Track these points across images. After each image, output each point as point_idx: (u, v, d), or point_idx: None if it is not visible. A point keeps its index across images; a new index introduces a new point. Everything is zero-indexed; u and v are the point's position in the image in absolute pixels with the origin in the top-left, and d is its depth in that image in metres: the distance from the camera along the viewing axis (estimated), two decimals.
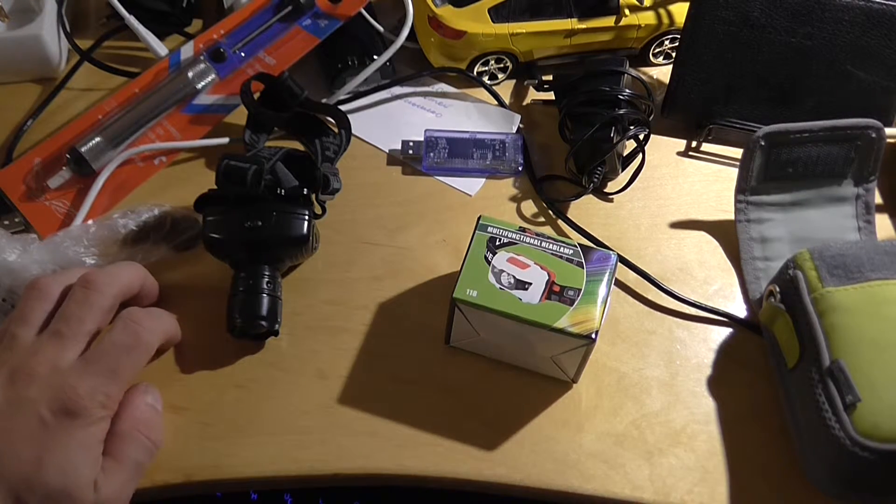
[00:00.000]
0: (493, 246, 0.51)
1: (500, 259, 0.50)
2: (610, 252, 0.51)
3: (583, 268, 0.50)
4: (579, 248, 0.51)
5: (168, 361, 0.53)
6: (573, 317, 0.48)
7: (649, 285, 0.58)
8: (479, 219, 0.52)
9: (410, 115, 0.67)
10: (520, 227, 0.52)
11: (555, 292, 0.49)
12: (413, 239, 0.60)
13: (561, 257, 0.51)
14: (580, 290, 0.49)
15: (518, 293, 0.49)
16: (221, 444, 0.50)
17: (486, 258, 0.50)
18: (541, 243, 0.51)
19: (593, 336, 0.48)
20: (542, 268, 0.50)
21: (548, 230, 0.59)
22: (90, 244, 0.55)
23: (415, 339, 0.55)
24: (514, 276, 0.50)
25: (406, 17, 0.65)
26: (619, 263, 0.59)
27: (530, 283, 0.49)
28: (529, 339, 0.50)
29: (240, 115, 0.64)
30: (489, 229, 0.52)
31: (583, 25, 0.67)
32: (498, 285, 0.49)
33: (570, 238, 0.53)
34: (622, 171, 0.63)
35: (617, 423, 0.52)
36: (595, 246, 0.53)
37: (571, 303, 0.49)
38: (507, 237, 0.51)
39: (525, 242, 0.51)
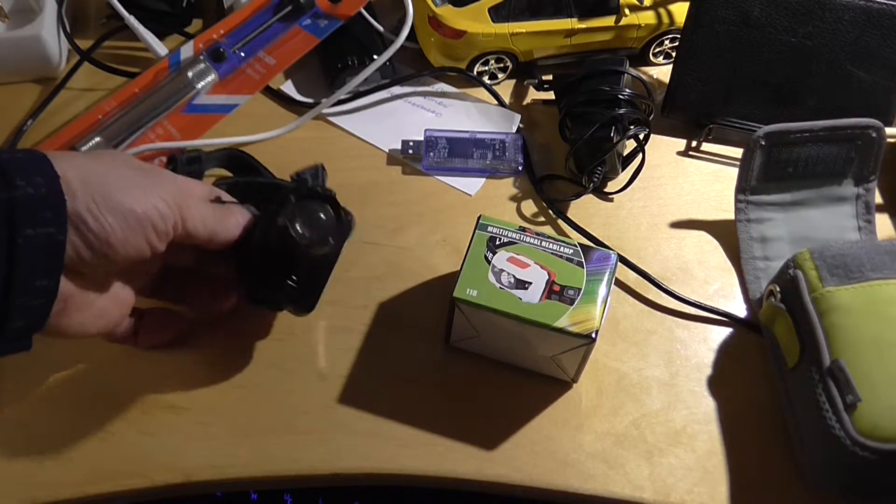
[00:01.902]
0: (494, 245, 0.51)
1: (501, 258, 0.50)
2: (610, 252, 0.51)
3: (583, 267, 0.50)
4: (579, 248, 0.51)
5: (168, 361, 0.53)
6: (573, 316, 0.48)
7: (649, 285, 0.58)
8: (479, 218, 0.52)
9: (410, 115, 0.67)
10: (520, 226, 0.52)
11: (555, 292, 0.49)
12: (413, 239, 0.60)
13: (561, 257, 0.51)
14: (580, 289, 0.49)
15: (518, 293, 0.49)
16: (221, 444, 0.50)
17: (486, 258, 0.50)
18: (541, 243, 0.51)
19: (593, 336, 0.48)
20: (542, 267, 0.50)
21: (548, 230, 0.59)
22: None
23: (415, 339, 0.55)
24: (514, 276, 0.50)
25: (406, 16, 0.65)
26: (619, 263, 0.59)
27: (530, 283, 0.49)
28: (529, 339, 0.50)
29: (240, 116, 0.64)
30: (489, 229, 0.52)
31: (583, 25, 0.67)
32: (498, 285, 0.49)
33: (570, 238, 0.53)
34: (622, 170, 0.63)
35: (617, 423, 0.52)
36: (595, 245, 0.53)
37: (571, 302, 0.49)
38: (507, 237, 0.51)
39: (525, 242, 0.51)
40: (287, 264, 0.48)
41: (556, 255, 0.51)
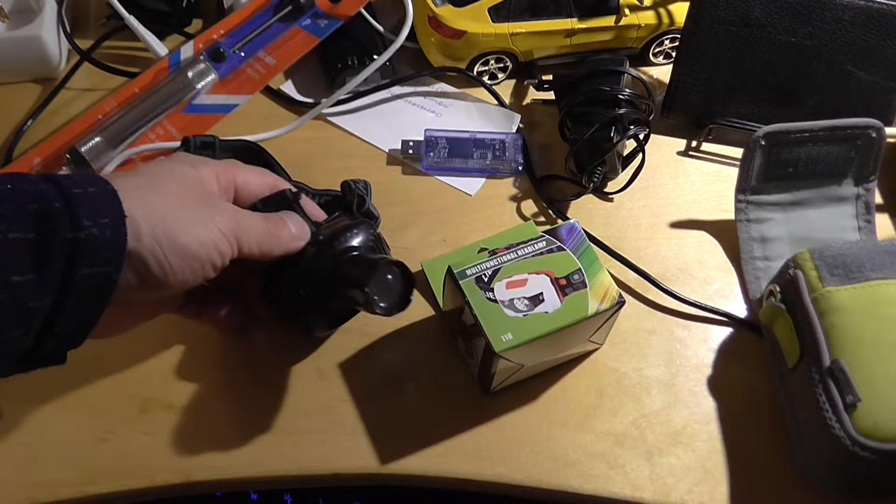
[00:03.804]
0: (485, 284, 0.49)
1: (501, 291, 0.49)
2: (570, 222, 0.52)
3: (565, 250, 0.50)
4: (547, 236, 0.51)
5: (168, 361, 0.53)
6: (595, 295, 0.49)
7: (649, 285, 0.58)
8: (448, 270, 0.50)
9: (410, 115, 0.67)
10: (488, 251, 0.50)
11: (564, 286, 0.49)
12: (413, 239, 0.60)
13: (542, 254, 0.50)
14: (580, 269, 0.49)
15: (540, 308, 0.48)
16: (221, 444, 0.50)
17: (489, 299, 0.49)
18: (517, 254, 0.50)
19: (622, 299, 0.49)
20: (537, 274, 0.50)
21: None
22: None
23: (414, 340, 0.55)
24: (524, 297, 0.49)
25: (406, 16, 0.65)
26: (619, 262, 0.59)
27: (541, 293, 0.49)
28: (569, 338, 0.50)
29: (240, 116, 0.64)
30: (468, 273, 0.49)
31: (583, 25, 0.67)
32: (520, 314, 0.48)
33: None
34: (622, 170, 0.63)
35: (617, 423, 0.52)
36: (554, 225, 0.52)
37: (585, 285, 0.49)
38: (487, 269, 0.50)
39: (505, 262, 0.50)
40: (325, 290, 0.47)
41: (537, 255, 0.50)
